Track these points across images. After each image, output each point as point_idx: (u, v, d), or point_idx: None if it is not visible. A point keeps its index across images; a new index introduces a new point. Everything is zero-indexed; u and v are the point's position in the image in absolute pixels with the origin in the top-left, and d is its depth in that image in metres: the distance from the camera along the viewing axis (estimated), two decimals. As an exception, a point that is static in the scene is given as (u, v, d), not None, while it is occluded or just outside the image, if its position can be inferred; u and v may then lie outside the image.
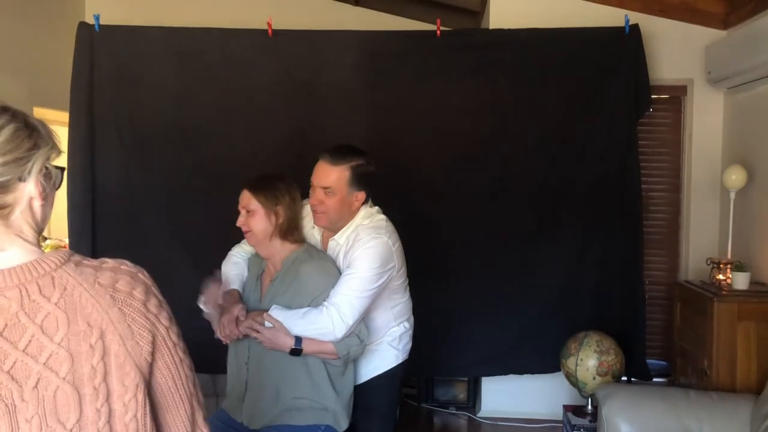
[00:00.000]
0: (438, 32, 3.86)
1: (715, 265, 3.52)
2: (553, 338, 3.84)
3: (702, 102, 4.18)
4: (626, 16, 3.83)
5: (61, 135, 5.11)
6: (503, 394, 4.39)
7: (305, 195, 2.56)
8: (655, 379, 3.97)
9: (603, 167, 3.87)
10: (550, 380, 4.22)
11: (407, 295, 2.68)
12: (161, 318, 1.15)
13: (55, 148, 1.15)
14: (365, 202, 2.52)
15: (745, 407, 2.94)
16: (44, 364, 1.03)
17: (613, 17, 3.94)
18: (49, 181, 1.15)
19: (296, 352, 2.32)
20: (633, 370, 3.81)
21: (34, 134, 1.12)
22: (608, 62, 3.82)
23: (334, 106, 3.85)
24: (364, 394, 2.57)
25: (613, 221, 3.88)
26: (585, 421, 3.56)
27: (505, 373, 4.10)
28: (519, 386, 4.31)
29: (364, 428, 2.63)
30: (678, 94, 4.26)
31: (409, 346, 2.72)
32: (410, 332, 2.72)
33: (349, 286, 2.36)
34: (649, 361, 3.95)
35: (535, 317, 3.94)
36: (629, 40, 3.79)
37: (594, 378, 3.50)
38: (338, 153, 2.46)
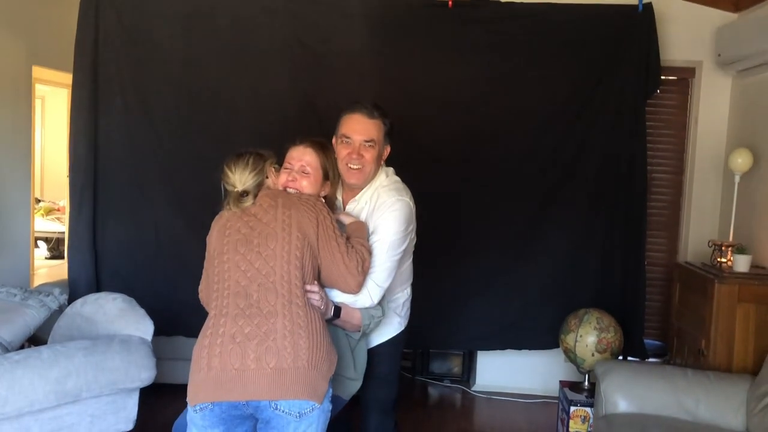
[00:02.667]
0: (450, 3, 3.83)
1: (716, 248, 3.54)
2: (552, 315, 3.87)
3: (710, 85, 4.18)
4: (640, -6, 3.81)
5: (59, 97, 5.06)
6: (498, 369, 4.44)
7: None
8: (649, 359, 4.01)
9: (610, 145, 3.87)
10: (544, 357, 4.27)
11: (411, 258, 2.69)
12: (322, 211, 2.24)
13: (273, 157, 2.37)
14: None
15: (742, 387, 2.99)
16: (265, 222, 2.19)
17: (625, -5, 3.92)
18: (277, 170, 2.36)
19: (337, 311, 2.32)
20: (630, 348, 3.84)
21: (262, 157, 2.33)
22: (619, 40, 3.81)
23: (342, 73, 3.82)
24: (369, 361, 2.58)
25: (618, 201, 3.89)
26: (582, 397, 3.60)
27: (503, 348, 4.13)
28: (513, 362, 4.36)
29: (368, 395, 2.65)
30: (686, 76, 4.25)
31: (410, 312, 2.74)
32: (410, 299, 2.74)
33: (380, 250, 2.38)
34: (644, 340, 3.99)
35: (536, 294, 3.97)
36: (642, 18, 3.77)
37: (593, 354, 3.54)
38: (373, 107, 2.47)
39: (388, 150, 2.55)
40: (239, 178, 2.25)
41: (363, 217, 2.50)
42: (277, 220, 2.18)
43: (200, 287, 2.37)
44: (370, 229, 2.45)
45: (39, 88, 5.63)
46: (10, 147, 4.84)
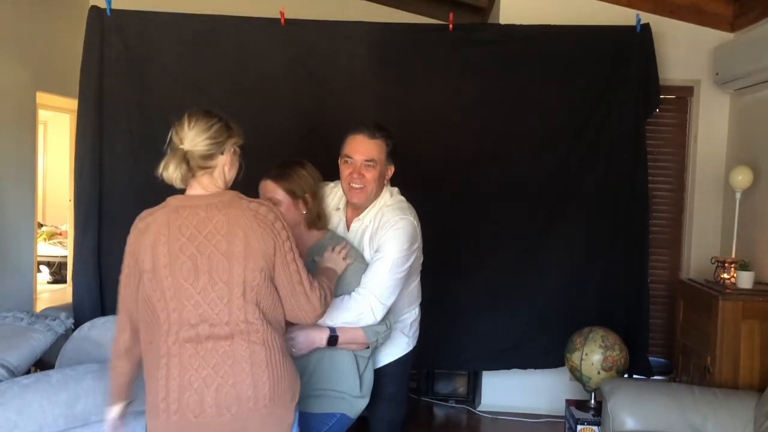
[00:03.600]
0: (450, 26, 3.88)
1: (719, 264, 3.56)
2: (556, 334, 3.87)
3: (708, 103, 4.22)
4: (637, 15, 3.86)
5: (62, 122, 5.05)
6: (503, 389, 4.43)
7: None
8: (654, 377, 4.01)
9: (611, 165, 3.90)
10: (549, 376, 4.26)
11: (419, 279, 2.71)
12: (281, 234, 1.96)
13: (241, 138, 2.03)
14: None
15: (749, 404, 2.98)
16: (213, 245, 1.91)
17: (622, 16, 3.97)
18: (236, 156, 2.03)
19: (333, 340, 2.33)
20: (635, 366, 3.84)
21: (229, 130, 1.99)
22: (619, 60, 3.85)
23: (345, 96, 3.86)
24: (376, 381, 2.59)
25: (620, 219, 3.91)
26: (588, 416, 3.60)
27: (509, 368, 4.13)
28: (518, 381, 4.35)
29: (377, 415, 2.65)
30: (684, 95, 4.30)
31: (418, 333, 2.76)
32: (419, 319, 2.76)
33: (383, 268, 2.40)
34: (649, 358, 3.99)
35: (540, 313, 3.97)
36: (640, 39, 3.82)
37: (598, 372, 3.54)
38: (375, 128, 2.52)
39: (392, 170, 2.58)
40: (191, 137, 1.91)
41: (367, 236, 2.51)
42: (230, 242, 1.90)
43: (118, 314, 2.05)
44: (374, 248, 2.47)
45: (41, 114, 5.68)
46: (15, 172, 4.88)
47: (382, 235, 2.46)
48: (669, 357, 4.15)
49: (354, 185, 2.49)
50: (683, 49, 4.19)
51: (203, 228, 1.91)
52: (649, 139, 4.04)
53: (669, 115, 4.34)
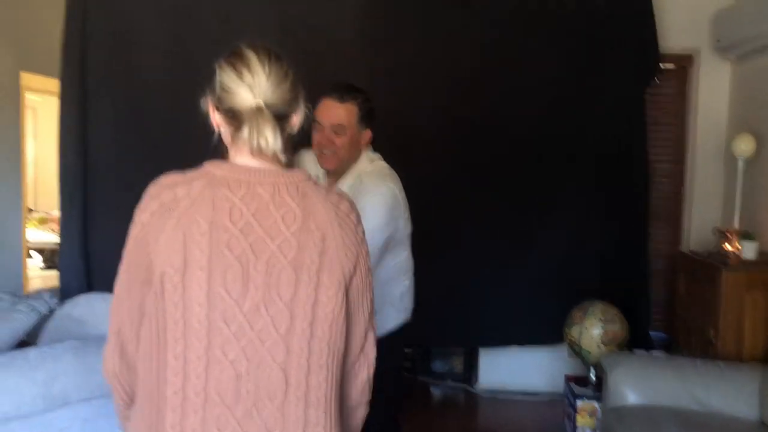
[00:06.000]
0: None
1: (722, 235, 3.47)
2: (556, 309, 3.77)
3: (709, 71, 4.12)
4: (636, -22, 3.75)
5: (52, 106, 4.84)
6: (501, 368, 4.35)
7: None
8: (653, 351, 3.92)
9: (610, 133, 3.80)
10: (547, 354, 4.19)
11: (409, 249, 2.57)
12: (363, 245, 1.38)
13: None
14: (368, 143, 2.46)
15: (754, 376, 2.91)
16: (277, 246, 1.26)
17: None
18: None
19: None
20: (636, 340, 3.76)
21: (298, 81, 1.36)
22: (617, 23, 3.74)
23: (331, 62, 3.71)
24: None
25: (620, 192, 3.81)
26: (588, 391, 3.52)
27: (507, 344, 4.05)
28: (516, 360, 4.27)
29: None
30: (684, 64, 4.19)
31: (411, 305, 2.63)
32: (411, 291, 2.62)
33: None
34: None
35: (539, 288, 3.87)
36: (640, 3, 3.71)
37: (598, 346, 3.45)
38: (345, 91, 2.38)
39: (368, 134, 2.42)
40: (269, 87, 1.29)
41: None
42: (302, 246, 1.27)
43: (111, 349, 1.34)
44: None
45: (31, 99, 5.55)
46: (0, 155, 4.77)
47: (358, 204, 2.33)
48: (668, 331, 4.06)
49: (324, 151, 2.37)
50: (683, 17, 4.07)
51: (265, 218, 1.26)
52: (648, 110, 3.92)
53: (668, 85, 4.23)
